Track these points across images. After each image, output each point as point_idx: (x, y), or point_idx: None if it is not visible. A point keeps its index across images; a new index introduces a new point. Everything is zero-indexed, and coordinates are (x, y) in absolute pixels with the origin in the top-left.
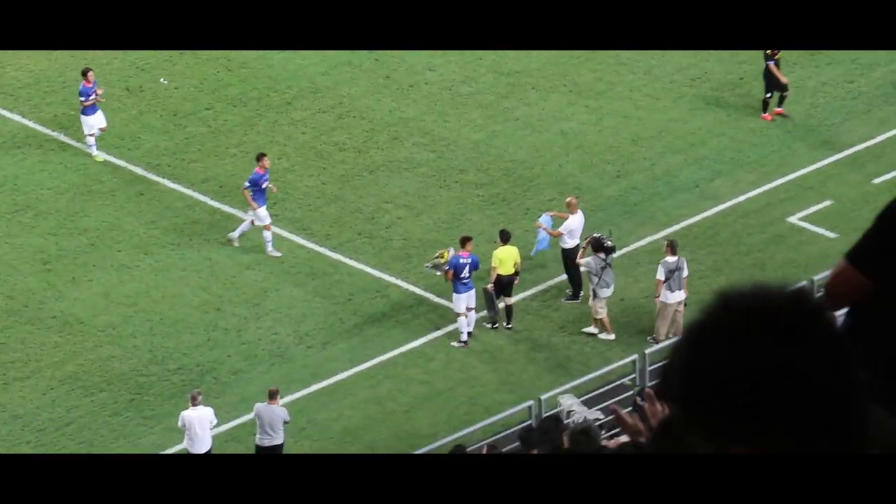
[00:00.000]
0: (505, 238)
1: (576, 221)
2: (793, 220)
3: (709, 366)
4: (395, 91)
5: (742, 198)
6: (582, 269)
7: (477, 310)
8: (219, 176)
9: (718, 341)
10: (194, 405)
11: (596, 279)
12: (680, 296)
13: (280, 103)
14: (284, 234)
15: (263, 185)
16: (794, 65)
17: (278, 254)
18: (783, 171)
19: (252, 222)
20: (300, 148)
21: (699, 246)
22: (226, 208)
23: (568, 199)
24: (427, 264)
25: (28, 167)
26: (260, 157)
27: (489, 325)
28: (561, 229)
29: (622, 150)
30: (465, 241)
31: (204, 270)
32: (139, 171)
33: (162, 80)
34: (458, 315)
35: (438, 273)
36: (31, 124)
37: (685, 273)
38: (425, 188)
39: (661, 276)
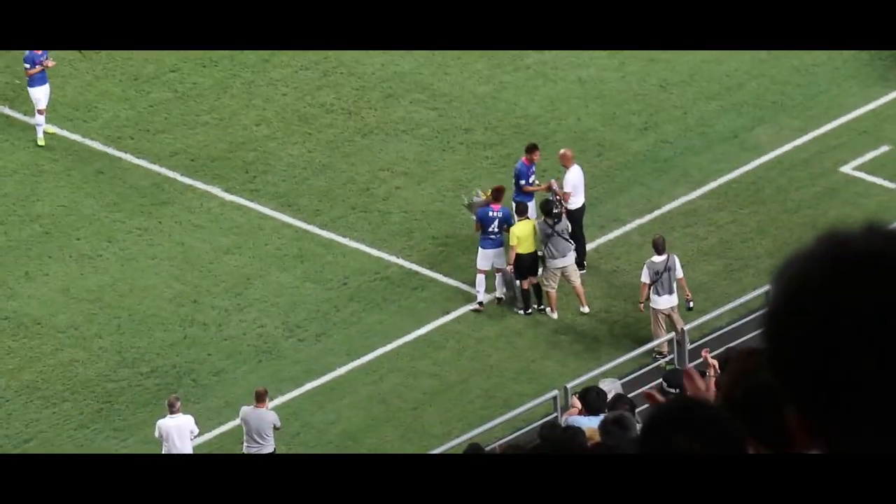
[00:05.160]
0: (521, 211)
1: (575, 175)
2: (846, 169)
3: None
4: None
5: (787, 147)
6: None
7: (499, 294)
8: (189, 148)
9: (840, 298)
10: (172, 413)
11: (542, 247)
12: (672, 300)
13: (256, 61)
14: (267, 211)
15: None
16: None
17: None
18: (833, 114)
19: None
20: (281, 111)
21: (741, 205)
22: (199, 184)
23: (561, 152)
24: (464, 200)
25: None
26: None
27: (520, 311)
28: (566, 188)
29: (649, 98)
30: (497, 193)
31: (177, 258)
32: (97, 145)
33: None
34: (479, 272)
35: (467, 212)
36: None
37: (678, 273)
38: (426, 152)
39: (645, 278)
